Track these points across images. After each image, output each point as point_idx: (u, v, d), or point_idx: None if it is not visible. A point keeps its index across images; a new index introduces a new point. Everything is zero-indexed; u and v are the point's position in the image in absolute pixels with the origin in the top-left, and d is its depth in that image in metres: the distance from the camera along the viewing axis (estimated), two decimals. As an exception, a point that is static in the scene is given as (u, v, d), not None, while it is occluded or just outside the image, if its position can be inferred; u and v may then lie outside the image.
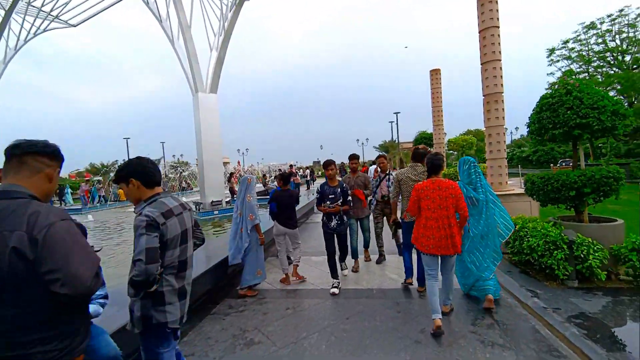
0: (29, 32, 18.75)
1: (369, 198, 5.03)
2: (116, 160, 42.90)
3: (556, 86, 4.50)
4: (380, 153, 4.88)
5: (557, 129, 4.13)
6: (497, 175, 6.65)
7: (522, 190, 6.28)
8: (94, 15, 18.66)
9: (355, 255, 4.93)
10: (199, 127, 11.04)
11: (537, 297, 3.55)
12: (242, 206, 4.19)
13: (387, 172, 5.18)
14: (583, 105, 3.96)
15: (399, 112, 31.02)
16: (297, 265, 4.67)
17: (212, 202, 11.51)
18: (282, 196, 4.53)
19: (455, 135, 13.48)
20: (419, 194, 3.08)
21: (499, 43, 6.71)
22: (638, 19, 22.90)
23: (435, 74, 12.06)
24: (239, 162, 45.88)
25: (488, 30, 6.75)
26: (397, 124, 31.08)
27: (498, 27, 6.67)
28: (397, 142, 31.91)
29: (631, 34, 23.18)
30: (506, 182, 6.62)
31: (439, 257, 3.07)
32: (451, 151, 17.33)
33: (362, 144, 49.00)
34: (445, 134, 14.04)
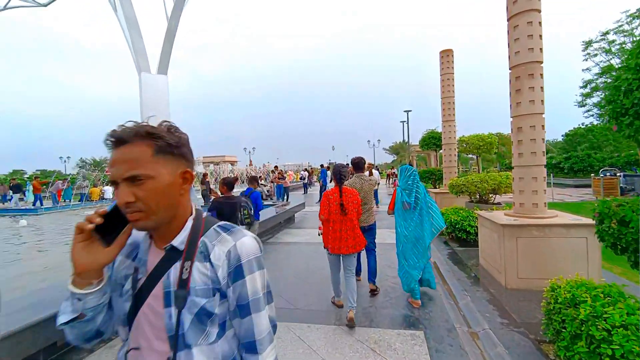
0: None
1: None
2: (105, 157, 39.63)
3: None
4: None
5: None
6: (530, 193, 4.15)
7: (571, 219, 3.86)
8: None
9: None
10: (143, 114, 9.04)
11: None
12: None
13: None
14: None
15: (410, 111, 28.04)
16: None
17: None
18: (223, 205, 4.15)
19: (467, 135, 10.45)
20: (329, 200, 3.45)
21: (539, -16, 4.27)
22: (696, 4, 19.43)
23: (446, 55, 9.56)
24: (250, 162, 43.37)
25: (521, -36, 4.32)
26: (407, 123, 28.22)
27: (538, -44, 4.23)
28: (407, 143, 29.04)
29: (688, 23, 19.70)
30: (544, 203, 4.15)
31: (341, 256, 3.45)
32: (470, 155, 13.64)
33: (374, 145, 46.27)
34: (464, 135, 11.19)
